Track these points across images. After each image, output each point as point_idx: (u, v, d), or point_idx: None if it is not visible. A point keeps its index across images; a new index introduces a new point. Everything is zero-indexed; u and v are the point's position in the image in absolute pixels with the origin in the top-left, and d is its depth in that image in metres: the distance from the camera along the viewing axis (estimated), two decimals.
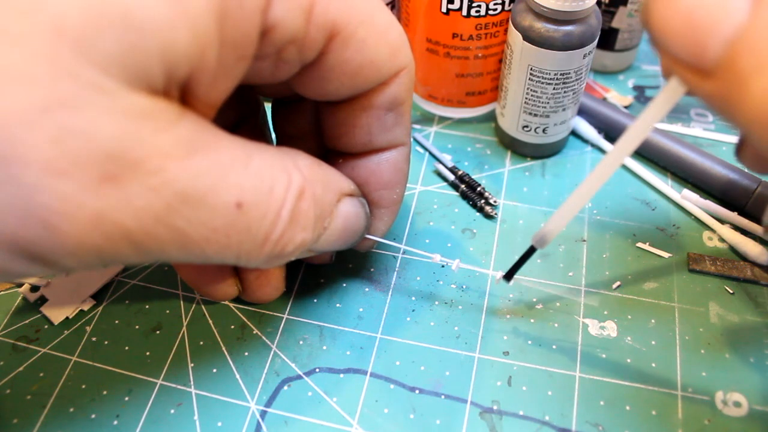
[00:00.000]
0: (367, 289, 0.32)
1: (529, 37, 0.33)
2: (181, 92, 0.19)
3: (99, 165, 0.16)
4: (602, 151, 0.39)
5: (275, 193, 0.20)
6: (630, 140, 0.22)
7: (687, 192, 0.36)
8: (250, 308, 0.32)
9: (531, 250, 0.27)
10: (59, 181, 0.16)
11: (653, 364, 0.29)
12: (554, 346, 0.30)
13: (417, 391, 0.29)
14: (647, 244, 0.34)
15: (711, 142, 0.40)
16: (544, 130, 0.37)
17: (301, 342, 0.30)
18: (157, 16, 0.16)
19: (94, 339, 0.30)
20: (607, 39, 0.43)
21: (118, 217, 0.17)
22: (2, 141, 0.15)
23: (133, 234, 0.17)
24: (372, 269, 0.33)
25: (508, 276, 0.29)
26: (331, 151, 0.28)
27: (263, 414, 0.28)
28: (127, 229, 0.17)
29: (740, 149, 0.24)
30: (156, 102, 0.17)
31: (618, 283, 0.32)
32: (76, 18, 0.15)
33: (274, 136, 0.31)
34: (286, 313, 0.31)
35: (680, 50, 0.17)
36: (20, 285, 0.32)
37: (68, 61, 0.15)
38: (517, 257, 0.28)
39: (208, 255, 0.20)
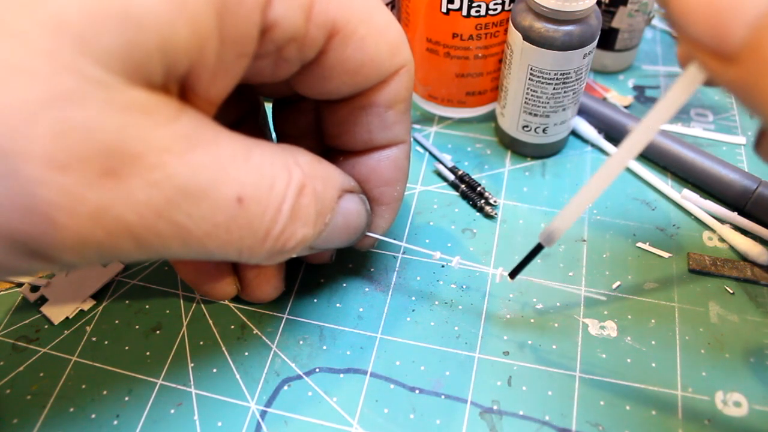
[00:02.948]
0: (367, 289, 0.32)
1: (529, 37, 0.33)
2: (182, 89, 0.19)
3: (100, 159, 0.16)
4: (602, 151, 0.39)
5: (276, 189, 0.20)
6: (645, 130, 0.21)
7: (687, 192, 0.36)
8: (250, 308, 0.31)
9: (538, 248, 0.27)
10: (60, 175, 0.16)
11: (653, 364, 0.29)
12: (554, 346, 0.30)
13: (417, 391, 0.28)
14: (647, 244, 0.34)
15: (711, 142, 0.40)
16: (544, 130, 0.37)
17: (301, 342, 0.30)
18: (156, 11, 0.16)
19: (94, 339, 0.30)
20: (607, 39, 0.43)
21: (119, 212, 0.17)
22: (3, 135, 0.15)
23: (134, 229, 0.17)
24: (372, 269, 0.33)
25: (513, 274, 0.29)
26: (332, 149, 0.28)
27: (263, 414, 0.28)
28: (128, 224, 0.17)
29: (760, 142, 0.23)
30: (156, 97, 0.17)
31: (618, 283, 0.32)
32: (76, 13, 0.16)
33: (274, 135, 0.31)
34: (286, 313, 0.31)
35: (701, 34, 0.17)
36: (20, 284, 0.32)
37: (68, 56, 0.15)
38: (518, 257, 0.28)
39: (209, 250, 0.20)
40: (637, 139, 0.21)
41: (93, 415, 0.28)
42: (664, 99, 0.20)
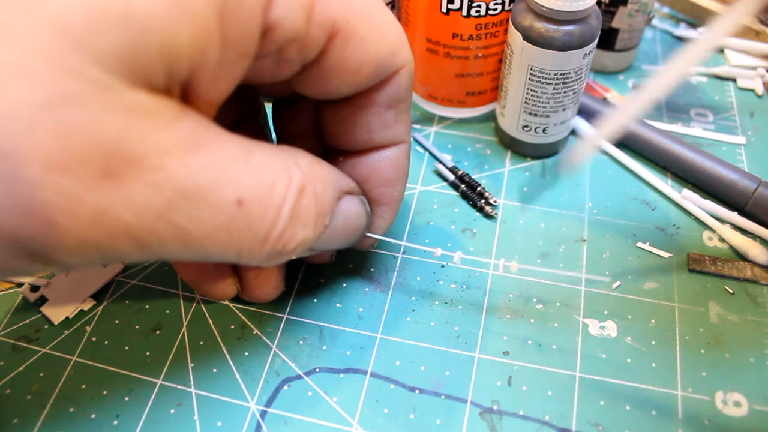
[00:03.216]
0: (367, 289, 0.32)
1: (529, 37, 0.33)
2: (182, 90, 0.19)
3: (100, 161, 0.16)
4: (602, 151, 0.39)
5: (276, 191, 0.20)
6: (719, 32, 0.20)
7: (687, 192, 0.36)
8: (250, 308, 0.31)
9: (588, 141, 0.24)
10: (60, 177, 0.16)
11: (653, 364, 0.29)
12: (554, 346, 0.30)
13: (417, 391, 0.28)
14: (647, 244, 0.34)
15: (711, 142, 0.40)
16: (544, 130, 0.37)
17: (301, 342, 0.30)
18: (157, 13, 0.16)
19: (94, 339, 0.30)
20: (607, 39, 0.43)
21: (118, 214, 0.17)
22: (3, 136, 0.15)
23: (134, 231, 0.17)
24: (372, 269, 0.33)
25: (565, 163, 0.26)
26: (332, 149, 0.28)
27: (263, 414, 0.28)
28: (127, 226, 0.17)
29: None
30: (157, 99, 0.17)
31: (618, 283, 0.32)
32: (78, 15, 0.15)
33: (274, 135, 0.31)
34: (286, 313, 0.31)
35: None
36: (20, 284, 0.32)
37: (69, 57, 0.15)
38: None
39: (209, 252, 0.20)
40: (710, 40, 0.20)
41: (93, 415, 0.28)
42: (732, 9, 0.20)
